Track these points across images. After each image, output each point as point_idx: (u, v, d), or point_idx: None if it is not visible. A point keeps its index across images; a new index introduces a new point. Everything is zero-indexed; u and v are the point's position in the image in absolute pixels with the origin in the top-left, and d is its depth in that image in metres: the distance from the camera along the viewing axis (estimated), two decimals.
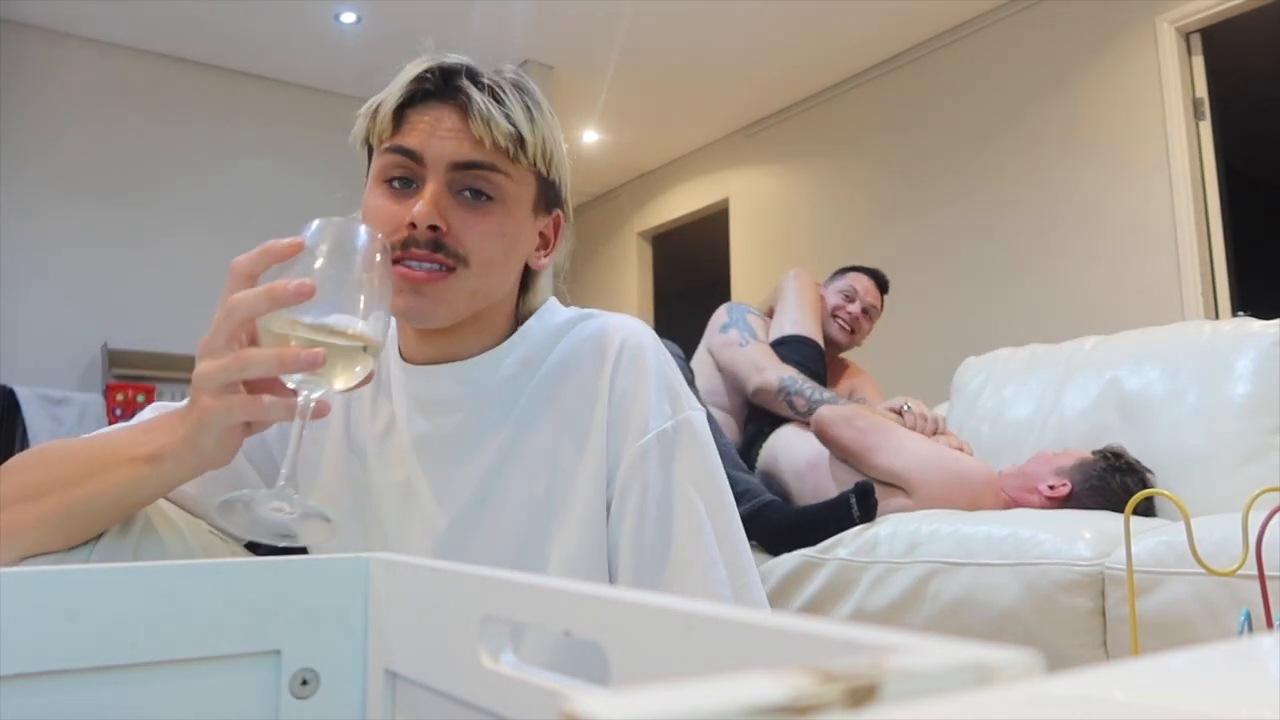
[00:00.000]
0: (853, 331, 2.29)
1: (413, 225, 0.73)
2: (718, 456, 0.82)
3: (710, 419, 1.90)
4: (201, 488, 0.81)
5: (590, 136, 5.52)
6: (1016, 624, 1.34)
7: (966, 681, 0.18)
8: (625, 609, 0.31)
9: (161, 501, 0.76)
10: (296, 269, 0.62)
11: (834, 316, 2.27)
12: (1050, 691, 0.17)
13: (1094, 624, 1.29)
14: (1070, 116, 3.77)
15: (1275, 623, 0.61)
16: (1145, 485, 1.66)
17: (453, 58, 0.78)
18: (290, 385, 0.63)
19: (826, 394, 1.93)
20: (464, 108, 0.75)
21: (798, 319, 2.16)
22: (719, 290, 5.50)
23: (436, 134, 0.75)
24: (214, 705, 0.44)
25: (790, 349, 2.07)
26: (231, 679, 0.45)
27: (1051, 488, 1.67)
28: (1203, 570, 1.12)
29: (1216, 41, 3.50)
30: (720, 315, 2.16)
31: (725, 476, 0.81)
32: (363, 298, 0.63)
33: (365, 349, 0.64)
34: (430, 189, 0.75)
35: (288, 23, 4.36)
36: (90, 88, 4.45)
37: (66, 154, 4.37)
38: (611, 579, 0.77)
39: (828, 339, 2.23)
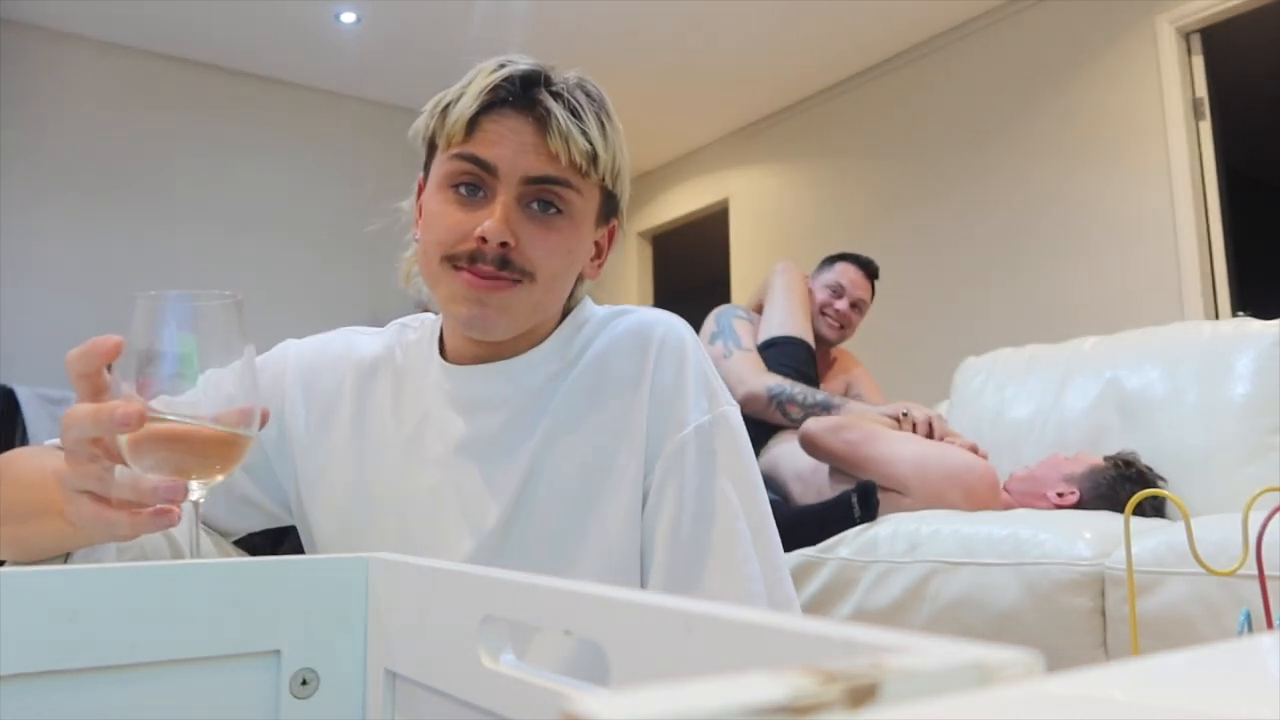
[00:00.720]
0: (842, 327, 2.24)
1: (483, 239, 0.73)
2: (752, 452, 0.82)
3: None
4: None
5: None
6: (1016, 624, 1.34)
7: (966, 681, 0.18)
8: (625, 609, 0.31)
9: None
10: (141, 358, 0.57)
11: (822, 313, 2.22)
12: (1050, 691, 0.17)
13: (1094, 624, 1.29)
14: (1070, 116, 3.77)
15: (1275, 623, 0.61)
16: (1154, 498, 1.66)
17: (525, 62, 0.77)
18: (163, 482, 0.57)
19: (819, 396, 1.91)
20: (541, 120, 0.74)
21: (785, 318, 2.12)
22: (719, 290, 5.50)
23: (512, 147, 0.74)
24: (214, 705, 0.44)
25: (780, 351, 2.04)
26: (231, 679, 0.45)
27: (1060, 495, 1.67)
28: (1203, 570, 1.13)
29: (1216, 41, 3.50)
30: (709, 324, 2.13)
31: (759, 473, 0.82)
32: (212, 354, 0.58)
33: (229, 439, 0.58)
34: (502, 203, 0.74)
35: (287, 23, 4.36)
36: (90, 87, 4.45)
37: (66, 154, 4.37)
38: (644, 571, 0.77)
39: (818, 336, 2.20)
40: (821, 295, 2.24)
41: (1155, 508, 1.64)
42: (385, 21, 4.33)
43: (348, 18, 4.33)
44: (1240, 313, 3.37)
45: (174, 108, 4.65)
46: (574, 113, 0.75)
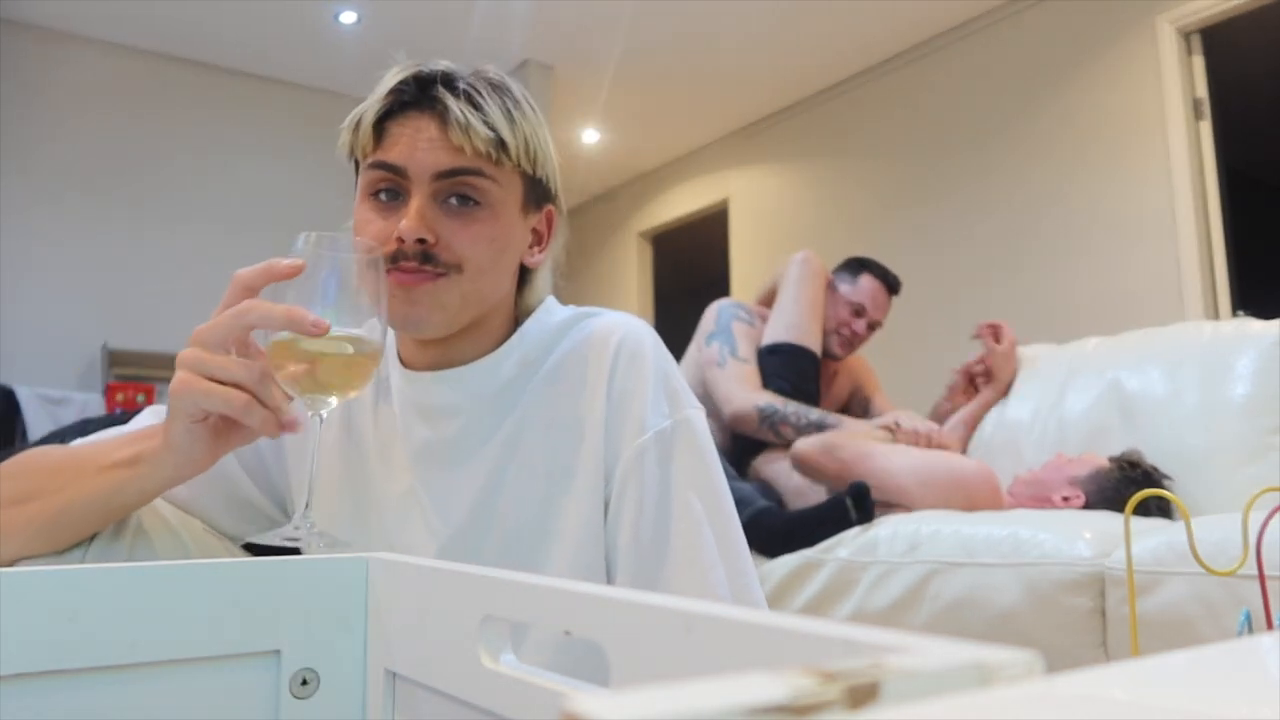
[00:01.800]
0: (851, 347, 2.11)
1: (400, 240, 0.74)
2: (716, 457, 0.81)
3: None
4: (194, 491, 0.81)
5: (590, 136, 5.51)
6: (1016, 624, 1.33)
7: (966, 681, 0.18)
8: (625, 609, 0.31)
9: (157, 501, 0.76)
10: (295, 285, 0.64)
11: (836, 331, 2.06)
12: (1050, 691, 0.17)
13: (1094, 624, 1.29)
14: (1070, 116, 3.77)
15: (1275, 623, 0.61)
16: (1160, 497, 1.65)
17: (430, 64, 0.78)
18: (294, 397, 0.64)
19: (813, 415, 1.80)
20: (442, 116, 0.75)
21: (795, 321, 1.97)
22: (719, 290, 5.50)
23: (417, 146, 0.75)
24: (214, 705, 0.44)
25: (782, 361, 1.91)
26: (231, 679, 0.45)
27: (1065, 499, 1.66)
28: (1203, 570, 1.12)
29: (1216, 41, 3.50)
30: (708, 321, 2.01)
31: (724, 477, 0.80)
32: (360, 307, 0.65)
33: (366, 355, 0.65)
34: (415, 202, 0.75)
35: (287, 23, 4.36)
36: (90, 88, 4.45)
37: (66, 154, 4.37)
38: (609, 578, 0.77)
39: (826, 354, 2.05)
40: (841, 311, 2.07)
41: (1160, 507, 1.63)
42: (385, 21, 4.33)
43: (348, 18, 4.33)
44: (1240, 313, 3.37)
45: (174, 108, 4.65)
46: (472, 103, 0.75)
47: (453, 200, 0.76)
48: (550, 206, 0.85)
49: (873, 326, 2.10)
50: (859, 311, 2.07)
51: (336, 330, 0.63)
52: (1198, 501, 1.58)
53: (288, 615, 0.46)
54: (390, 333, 0.87)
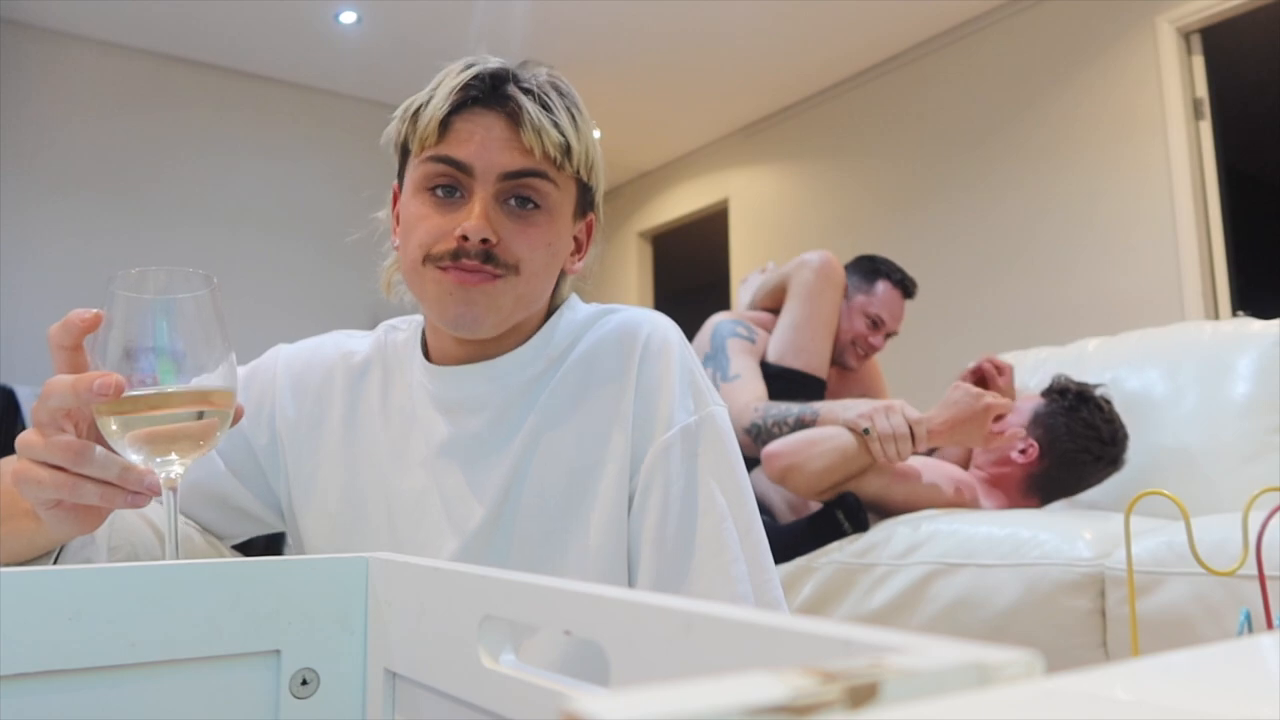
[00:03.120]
0: (866, 358, 1.99)
1: (464, 237, 0.73)
2: (739, 454, 0.81)
3: None
4: (183, 500, 0.80)
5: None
6: (1016, 624, 1.33)
7: (966, 681, 0.18)
8: (625, 609, 0.31)
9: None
10: (113, 334, 0.56)
11: (852, 343, 1.94)
12: (1050, 691, 0.17)
13: (1094, 624, 1.29)
14: (1070, 116, 3.77)
15: (1275, 623, 0.61)
16: (1103, 410, 1.66)
17: (493, 61, 0.77)
18: (139, 462, 0.57)
19: (793, 414, 1.66)
20: (513, 116, 0.75)
21: (806, 345, 1.82)
22: (719, 290, 5.51)
23: (487, 144, 0.74)
24: (214, 705, 0.44)
25: (787, 388, 1.76)
26: (231, 679, 0.45)
27: (1023, 453, 1.67)
28: (1203, 570, 1.13)
29: (1216, 41, 3.50)
30: (703, 341, 1.87)
31: (746, 474, 0.81)
32: (199, 348, 0.58)
33: (203, 412, 0.57)
34: (480, 200, 0.74)
35: (287, 23, 4.36)
36: (90, 88, 4.45)
37: (66, 154, 4.37)
38: (631, 572, 0.77)
39: (838, 364, 1.93)
40: (858, 324, 1.93)
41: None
42: (385, 21, 4.33)
43: (348, 18, 4.33)
44: (1240, 313, 3.37)
45: (174, 108, 4.65)
46: (545, 106, 0.76)
47: (512, 201, 0.76)
48: (592, 215, 0.85)
49: (889, 336, 1.99)
50: (876, 323, 1.95)
51: (167, 382, 0.56)
52: (1197, 501, 1.58)
53: (288, 615, 0.46)
54: (415, 323, 0.87)
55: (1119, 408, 1.78)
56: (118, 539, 0.73)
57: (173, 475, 0.58)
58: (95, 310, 0.57)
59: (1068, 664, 1.23)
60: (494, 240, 0.73)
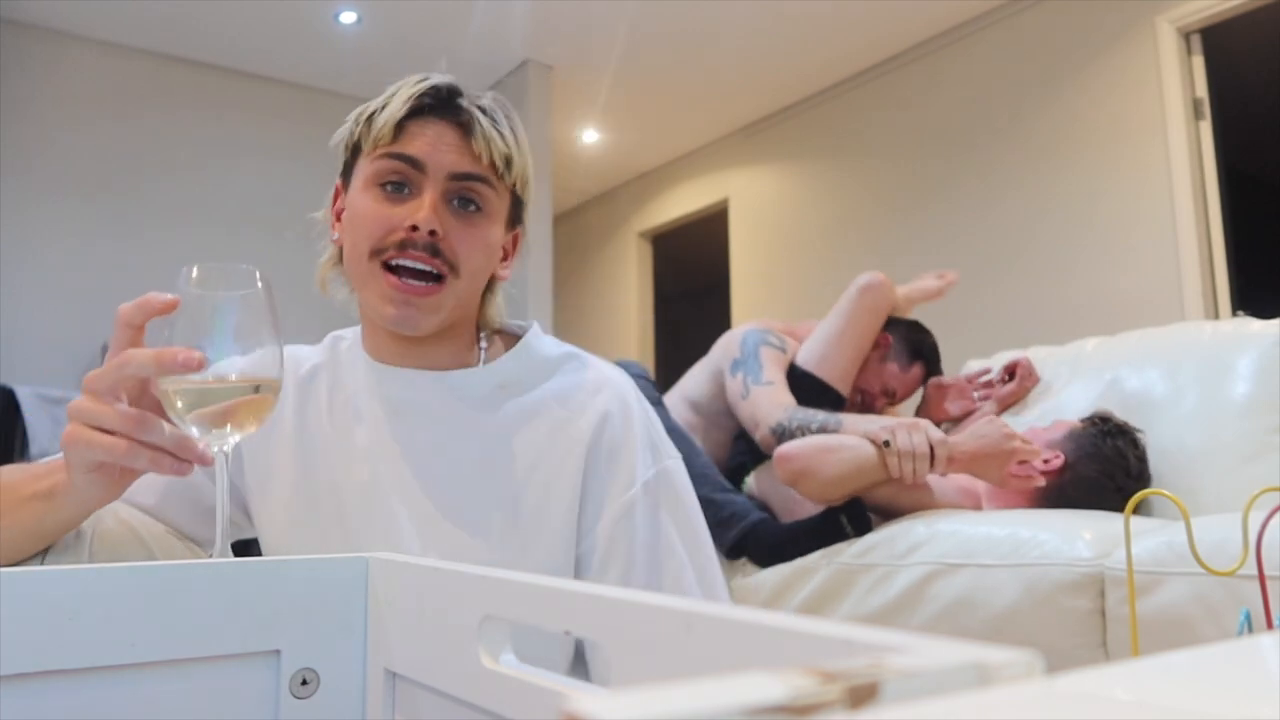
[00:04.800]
0: (861, 409, 1.98)
1: (413, 228, 0.78)
2: (695, 498, 0.87)
3: (693, 445, 1.76)
4: (160, 500, 0.83)
5: (590, 136, 5.51)
6: (1016, 624, 1.33)
7: (966, 681, 0.18)
8: (625, 609, 0.31)
9: (119, 506, 0.79)
10: (180, 322, 0.62)
11: (860, 390, 1.95)
12: (1050, 691, 0.17)
13: (1094, 624, 1.29)
14: (1070, 116, 3.77)
15: (1275, 623, 0.61)
16: (1137, 447, 1.65)
17: (442, 77, 0.83)
18: (195, 435, 0.63)
19: (816, 420, 1.68)
20: (465, 126, 0.81)
21: (833, 355, 1.84)
22: (719, 290, 5.51)
23: (439, 146, 0.80)
24: (214, 705, 0.44)
25: (806, 394, 1.79)
26: (231, 679, 0.45)
27: (1045, 461, 1.66)
28: (1203, 570, 1.13)
29: (1216, 41, 3.50)
30: (734, 347, 1.87)
31: (701, 515, 0.87)
32: (254, 338, 0.64)
33: (260, 388, 0.64)
34: (430, 195, 0.79)
35: (287, 23, 4.36)
36: (90, 88, 4.45)
37: (66, 154, 4.37)
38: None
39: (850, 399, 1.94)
40: (873, 384, 1.95)
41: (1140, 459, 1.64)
42: (385, 21, 4.33)
43: (348, 18, 4.33)
44: (1240, 313, 3.37)
45: (174, 108, 4.65)
46: (493, 120, 0.82)
47: (456, 202, 0.81)
48: (520, 228, 0.91)
49: (893, 402, 2.02)
50: (890, 394, 1.97)
51: (225, 364, 0.62)
52: (1198, 501, 1.57)
53: (288, 615, 0.46)
54: (323, 347, 0.91)
55: (1119, 408, 1.78)
56: (99, 545, 0.75)
57: (227, 448, 0.63)
58: (172, 295, 0.62)
59: (1068, 664, 1.23)
60: (441, 233, 0.78)
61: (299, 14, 4.28)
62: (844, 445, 1.55)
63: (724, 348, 1.91)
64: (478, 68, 4.67)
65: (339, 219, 0.87)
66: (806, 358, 1.86)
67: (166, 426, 0.62)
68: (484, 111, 0.82)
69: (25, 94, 4.28)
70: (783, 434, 1.68)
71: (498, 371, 0.86)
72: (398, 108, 0.80)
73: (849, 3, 4.07)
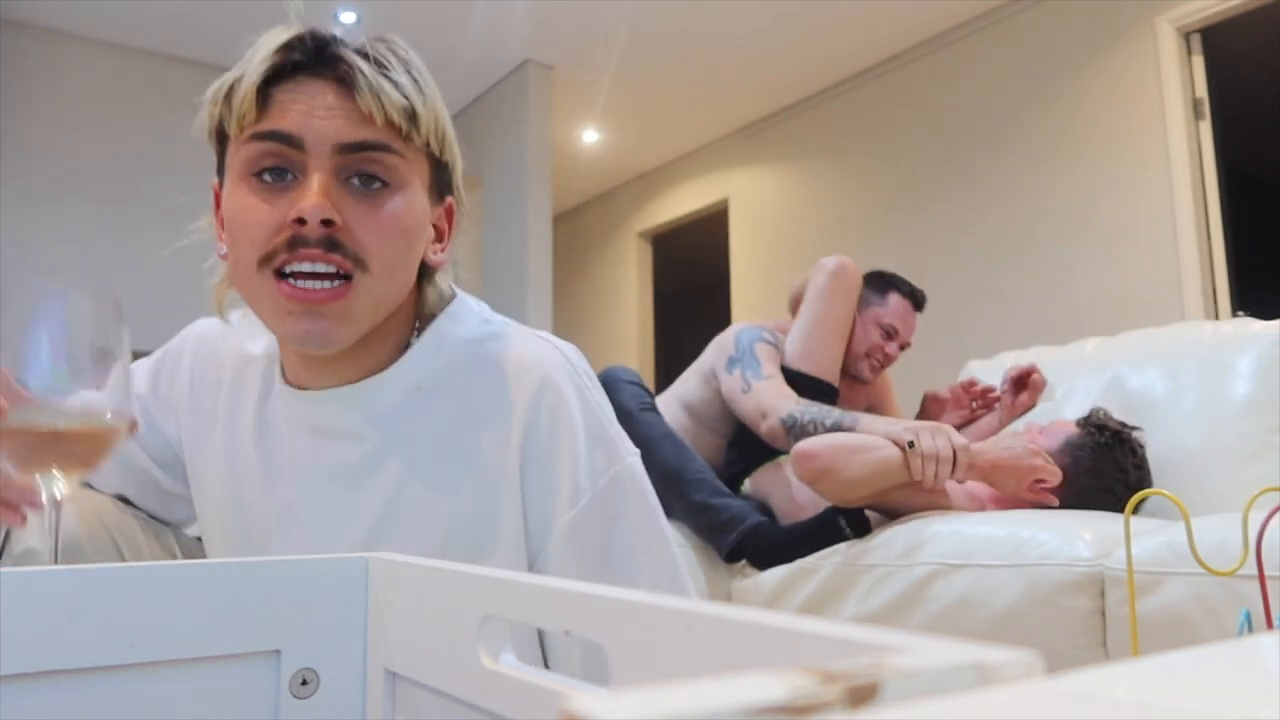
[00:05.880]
0: (881, 369, 1.98)
1: (300, 221, 0.62)
2: (656, 499, 0.75)
3: (688, 450, 1.74)
4: (132, 492, 0.80)
5: (590, 136, 5.51)
6: (1016, 625, 1.33)
7: (967, 681, 0.18)
8: (625, 609, 0.31)
9: (96, 499, 0.76)
10: (8, 348, 0.54)
11: (866, 355, 1.93)
12: (1050, 691, 0.17)
13: (1094, 624, 1.29)
14: (1070, 116, 3.77)
15: (1275, 623, 0.61)
16: (1135, 454, 1.65)
17: (310, 26, 0.68)
18: (20, 476, 0.56)
19: (831, 417, 1.66)
20: (345, 80, 0.65)
21: (814, 348, 1.81)
22: (719, 290, 5.51)
23: (316, 113, 0.64)
24: (214, 705, 0.44)
25: (797, 393, 1.76)
26: (231, 679, 0.45)
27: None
28: (1203, 570, 1.13)
29: (1216, 41, 3.50)
30: (728, 345, 1.86)
31: (664, 518, 0.75)
32: (90, 366, 0.56)
33: (89, 427, 0.56)
34: (317, 178, 0.63)
35: (287, 23, 4.36)
36: (90, 88, 4.45)
37: (66, 154, 4.37)
38: (544, 648, 0.70)
39: (851, 375, 1.93)
40: (872, 335, 1.93)
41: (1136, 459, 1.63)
42: (385, 21, 4.33)
43: (348, 18, 4.33)
44: (1240, 312, 3.37)
45: (174, 108, 4.64)
46: (380, 65, 0.66)
47: (355, 180, 0.66)
48: (451, 199, 0.75)
49: (903, 347, 1.99)
50: (891, 334, 1.94)
51: (55, 398, 0.55)
52: (1197, 501, 1.58)
53: (288, 615, 0.46)
54: (272, 338, 0.78)
55: (1119, 408, 1.78)
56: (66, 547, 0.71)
57: (55, 492, 0.55)
58: None
59: (1068, 664, 1.23)
60: (338, 221, 0.63)
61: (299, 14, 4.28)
62: (867, 446, 1.53)
63: (718, 348, 1.90)
64: (478, 68, 4.67)
65: (223, 226, 0.71)
66: (792, 355, 1.83)
67: None
68: (366, 58, 0.66)
69: (25, 94, 4.28)
70: (793, 426, 1.65)
71: (406, 372, 0.71)
72: (256, 71, 0.64)
73: (849, 3, 4.07)
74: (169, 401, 0.82)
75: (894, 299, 1.97)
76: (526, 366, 0.71)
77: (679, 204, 5.84)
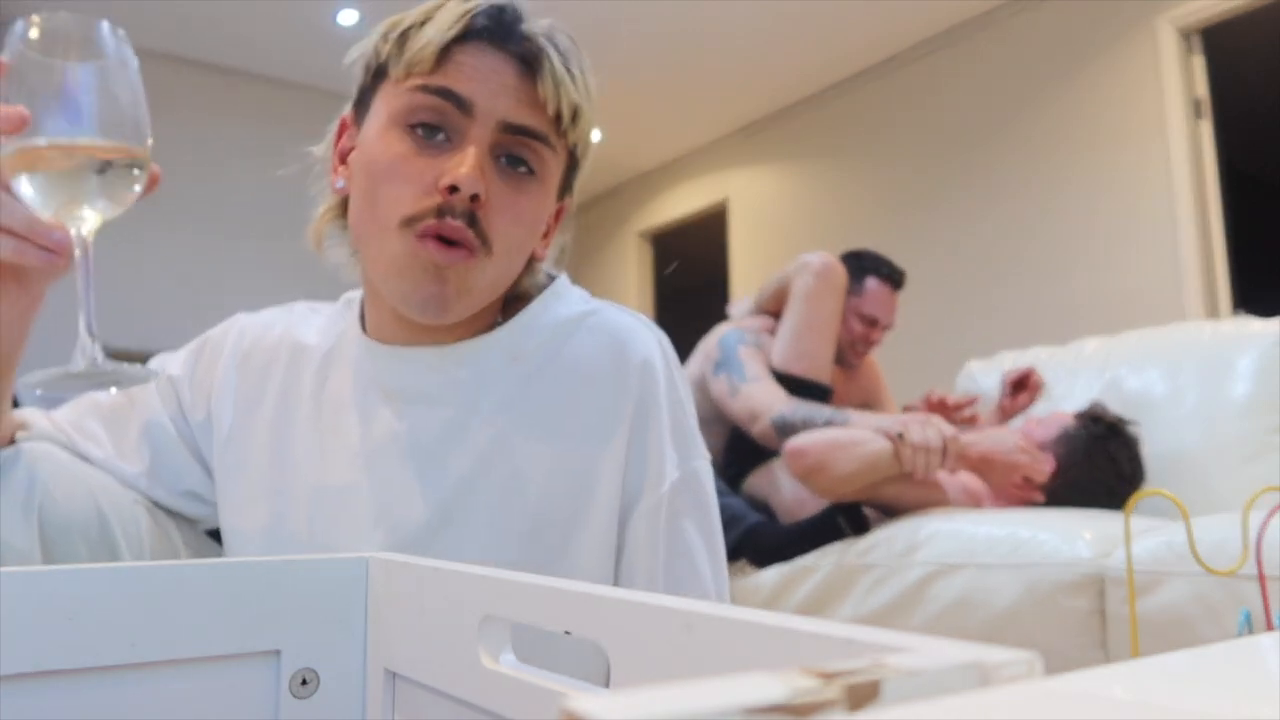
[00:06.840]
0: (866, 353, 2.00)
1: (452, 188, 0.61)
2: (717, 507, 0.74)
3: None
4: (145, 467, 0.75)
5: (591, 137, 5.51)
6: (1016, 625, 1.33)
7: (967, 681, 0.18)
8: (625, 609, 0.31)
9: (68, 461, 0.70)
10: (15, 84, 0.50)
11: (850, 345, 1.95)
12: (1050, 691, 0.17)
13: (1094, 624, 1.29)
14: (1070, 116, 3.77)
15: (1275, 623, 0.61)
16: (1129, 447, 1.65)
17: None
18: (48, 216, 0.53)
19: (823, 415, 1.67)
20: (529, 62, 0.64)
21: (808, 349, 1.81)
22: (719, 290, 5.50)
23: (493, 84, 0.63)
24: (214, 705, 0.44)
25: (790, 395, 1.76)
26: (231, 679, 0.45)
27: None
28: (1203, 570, 1.13)
29: (1216, 41, 3.50)
30: (712, 350, 1.86)
31: (720, 522, 0.75)
32: (102, 99, 0.52)
33: (117, 155, 0.52)
34: (474, 149, 0.62)
35: (287, 22, 4.36)
36: None
37: None
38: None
39: (838, 361, 1.94)
40: (854, 326, 1.94)
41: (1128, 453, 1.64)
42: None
43: (348, 18, 4.33)
44: (1240, 312, 3.37)
45: (174, 108, 4.65)
46: (565, 58, 0.65)
47: (503, 160, 0.65)
48: (569, 198, 0.76)
49: (886, 330, 2.00)
50: (873, 322, 1.95)
51: (73, 130, 0.52)
52: (1197, 501, 1.58)
53: (288, 615, 0.46)
54: (328, 329, 0.76)
55: (1119, 408, 1.78)
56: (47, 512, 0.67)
57: (85, 231, 0.53)
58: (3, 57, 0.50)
59: (1068, 664, 1.23)
60: (484, 198, 0.62)
61: (299, 14, 4.28)
62: (857, 440, 1.54)
63: (703, 353, 1.89)
64: None
65: (343, 161, 0.70)
66: (783, 358, 1.82)
67: (19, 208, 0.51)
68: (555, 45, 0.65)
69: None
70: (784, 426, 1.65)
71: (505, 340, 0.70)
72: (445, 26, 0.62)
73: (849, 2, 4.07)
74: (204, 388, 0.78)
75: (871, 285, 1.95)
76: (636, 342, 0.71)
77: (679, 204, 5.84)
